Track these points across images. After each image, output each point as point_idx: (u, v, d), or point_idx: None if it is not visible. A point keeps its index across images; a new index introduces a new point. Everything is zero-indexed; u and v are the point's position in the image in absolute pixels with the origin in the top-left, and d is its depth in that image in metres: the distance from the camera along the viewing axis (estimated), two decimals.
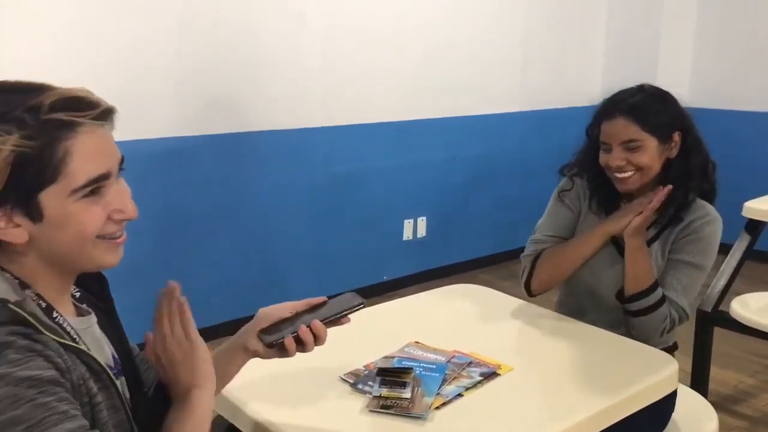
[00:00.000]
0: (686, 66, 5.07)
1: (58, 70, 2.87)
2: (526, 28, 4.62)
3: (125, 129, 3.06)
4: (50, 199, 0.90)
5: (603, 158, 1.75)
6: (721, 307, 2.71)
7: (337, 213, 3.91)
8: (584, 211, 1.89)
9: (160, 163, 3.21)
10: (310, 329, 1.15)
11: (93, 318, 1.06)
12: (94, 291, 1.12)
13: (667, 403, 1.61)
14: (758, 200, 2.79)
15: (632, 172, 1.72)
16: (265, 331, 1.16)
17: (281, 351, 1.16)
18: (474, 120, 4.40)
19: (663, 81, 5.52)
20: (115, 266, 1.00)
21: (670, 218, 1.77)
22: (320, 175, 3.80)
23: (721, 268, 2.75)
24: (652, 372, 1.50)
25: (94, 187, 0.92)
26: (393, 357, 1.50)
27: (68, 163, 0.90)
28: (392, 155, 4.10)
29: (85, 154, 0.91)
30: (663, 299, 1.69)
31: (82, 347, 0.94)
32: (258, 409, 1.30)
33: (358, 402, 1.32)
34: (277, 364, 1.32)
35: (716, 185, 1.84)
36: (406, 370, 1.33)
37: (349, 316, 1.20)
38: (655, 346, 1.64)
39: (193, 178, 3.33)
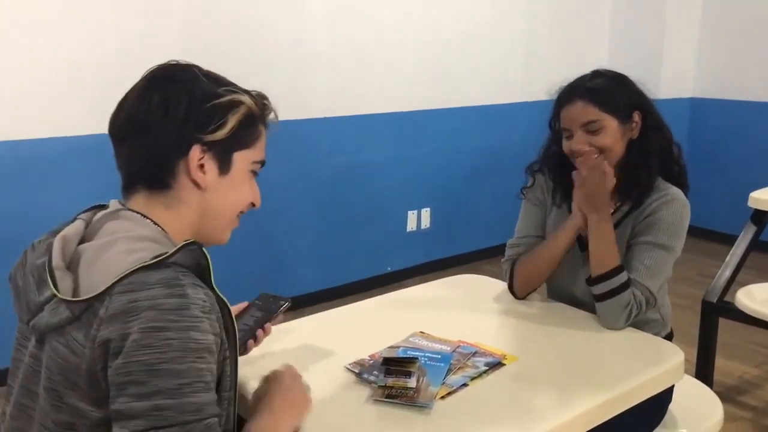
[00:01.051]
0: (691, 56, 5.05)
1: (64, 68, 2.88)
2: (531, 18, 4.60)
3: None
4: (241, 160, 1.11)
5: (566, 145, 1.73)
6: (726, 298, 2.70)
7: (341, 204, 3.91)
8: (549, 206, 1.88)
9: None
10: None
11: None
12: None
13: (665, 394, 1.61)
14: (764, 190, 2.78)
15: (596, 155, 1.69)
16: None
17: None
18: (479, 110, 4.39)
19: (668, 71, 5.51)
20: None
21: (633, 202, 1.73)
22: (324, 166, 3.80)
23: (727, 259, 2.74)
24: (658, 362, 1.49)
25: (260, 167, 1.15)
26: (398, 347, 1.50)
27: (260, 140, 1.13)
28: (396, 146, 4.09)
29: (264, 141, 1.15)
30: (627, 284, 1.62)
31: (228, 303, 1.04)
32: None
33: (363, 392, 1.32)
34: (282, 354, 1.32)
35: (685, 168, 1.80)
36: (411, 360, 1.33)
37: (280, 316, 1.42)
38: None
39: None
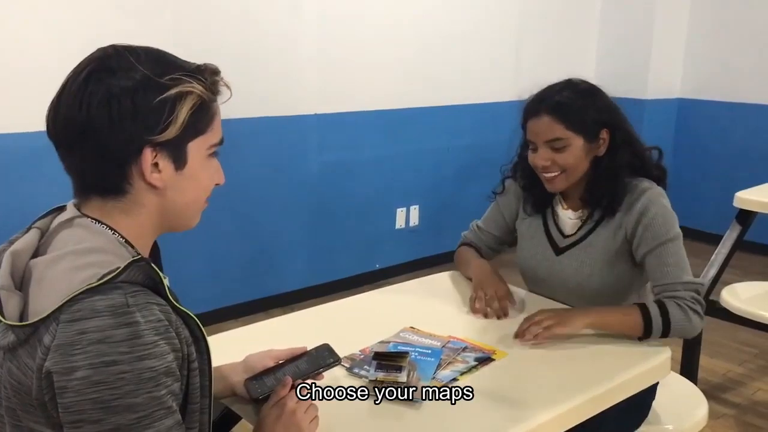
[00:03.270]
0: (679, 57, 5.09)
1: (54, 64, 2.86)
2: (520, 17, 4.62)
3: None
4: (196, 149, 1.03)
5: (530, 157, 1.71)
6: (711, 297, 2.73)
7: (329, 201, 3.91)
8: (521, 214, 1.89)
9: None
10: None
11: None
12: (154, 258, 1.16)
13: (648, 392, 1.62)
14: (749, 191, 2.81)
15: (558, 173, 1.67)
16: (251, 380, 1.25)
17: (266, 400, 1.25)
18: (467, 109, 4.40)
19: (655, 71, 5.55)
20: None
21: (603, 210, 1.71)
22: (313, 163, 3.80)
23: (712, 258, 2.77)
24: (645, 359, 1.51)
25: (219, 147, 1.07)
26: (388, 342, 1.51)
27: (213, 122, 1.05)
28: (386, 143, 4.10)
29: (218, 119, 1.07)
30: (664, 308, 1.56)
31: (192, 315, 0.99)
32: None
33: (354, 385, 1.33)
34: (272, 348, 1.32)
35: (666, 172, 1.78)
36: (402, 355, 1.34)
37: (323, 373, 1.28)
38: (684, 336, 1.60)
39: None
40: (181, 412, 0.95)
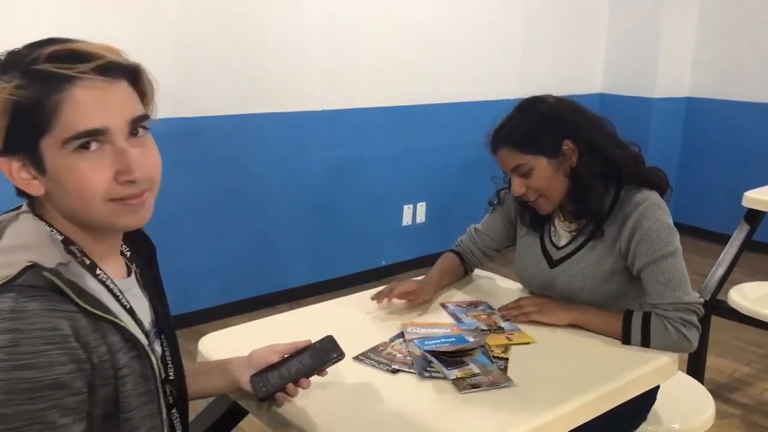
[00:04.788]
0: (687, 56, 5.06)
1: None
2: (528, 14, 4.60)
3: None
4: (48, 149, 0.91)
5: (511, 188, 1.71)
6: (719, 296, 2.72)
7: (336, 197, 3.91)
8: (519, 227, 1.87)
9: (159, 145, 3.18)
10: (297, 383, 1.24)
11: (136, 279, 1.08)
12: (142, 255, 1.14)
13: (649, 395, 1.61)
14: (758, 190, 2.80)
15: (536, 196, 1.66)
16: (256, 376, 1.25)
17: (271, 400, 1.26)
18: (475, 106, 4.39)
19: (664, 70, 5.53)
20: (144, 225, 1.01)
21: (596, 220, 1.66)
22: (320, 159, 3.80)
23: (720, 258, 2.76)
24: (652, 359, 1.50)
25: (86, 141, 0.91)
26: (410, 339, 1.51)
27: (61, 114, 0.89)
28: (393, 140, 4.09)
29: (78, 106, 0.90)
30: (647, 318, 1.54)
31: (118, 321, 0.94)
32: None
33: (425, 385, 1.34)
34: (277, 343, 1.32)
35: (664, 176, 1.70)
36: (463, 349, 1.41)
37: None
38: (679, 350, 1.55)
39: (193, 159, 3.32)
40: (112, 422, 0.92)
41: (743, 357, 3.25)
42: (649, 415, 1.69)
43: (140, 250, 1.13)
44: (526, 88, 4.63)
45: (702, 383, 2.11)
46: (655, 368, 1.49)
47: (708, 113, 5.03)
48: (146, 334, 1.02)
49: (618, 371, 1.44)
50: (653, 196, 1.63)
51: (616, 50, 5.08)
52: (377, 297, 1.71)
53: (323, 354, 1.25)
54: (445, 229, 4.43)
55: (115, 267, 1.04)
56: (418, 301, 1.71)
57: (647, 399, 1.66)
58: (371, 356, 1.43)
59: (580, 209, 1.68)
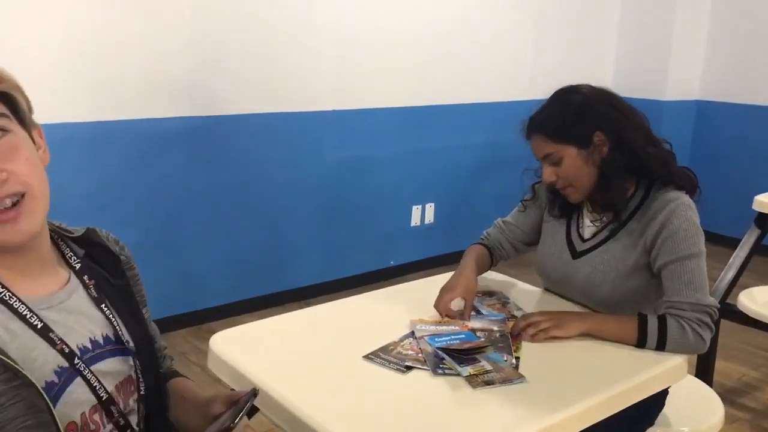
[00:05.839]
0: (698, 58, 5.04)
1: (70, 54, 2.89)
2: (539, 16, 4.60)
3: (136, 109, 3.08)
4: None
5: (543, 175, 1.72)
6: (728, 300, 2.71)
7: (345, 197, 3.92)
8: (545, 217, 1.88)
9: (170, 143, 3.21)
10: None
11: (77, 290, 1.02)
12: (106, 266, 1.09)
13: (657, 398, 1.62)
14: None
15: (566, 185, 1.68)
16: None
17: None
18: (484, 107, 4.39)
19: (675, 72, 5.48)
20: (16, 243, 0.93)
21: (621, 210, 1.68)
22: (330, 159, 3.81)
23: (730, 261, 2.75)
24: (664, 359, 1.50)
25: None
26: (420, 336, 1.52)
27: None
28: (402, 140, 4.10)
29: None
30: (663, 322, 1.54)
31: None
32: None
33: (438, 381, 1.34)
34: (290, 344, 1.32)
35: (693, 179, 1.72)
36: (475, 347, 1.42)
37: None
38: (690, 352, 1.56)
39: (202, 158, 3.34)
40: None
41: (752, 361, 3.24)
42: (658, 418, 1.70)
43: (104, 259, 1.09)
44: (536, 89, 4.65)
45: (711, 387, 2.11)
46: (667, 369, 1.49)
47: (718, 116, 5.01)
48: (80, 351, 0.96)
49: (630, 372, 1.44)
50: (685, 197, 1.65)
51: (627, 53, 5.06)
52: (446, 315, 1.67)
53: (241, 402, 1.09)
54: (453, 230, 4.44)
55: (42, 282, 0.99)
56: (470, 303, 1.70)
57: (656, 403, 1.66)
58: (381, 355, 1.44)
59: (606, 201, 1.69)
